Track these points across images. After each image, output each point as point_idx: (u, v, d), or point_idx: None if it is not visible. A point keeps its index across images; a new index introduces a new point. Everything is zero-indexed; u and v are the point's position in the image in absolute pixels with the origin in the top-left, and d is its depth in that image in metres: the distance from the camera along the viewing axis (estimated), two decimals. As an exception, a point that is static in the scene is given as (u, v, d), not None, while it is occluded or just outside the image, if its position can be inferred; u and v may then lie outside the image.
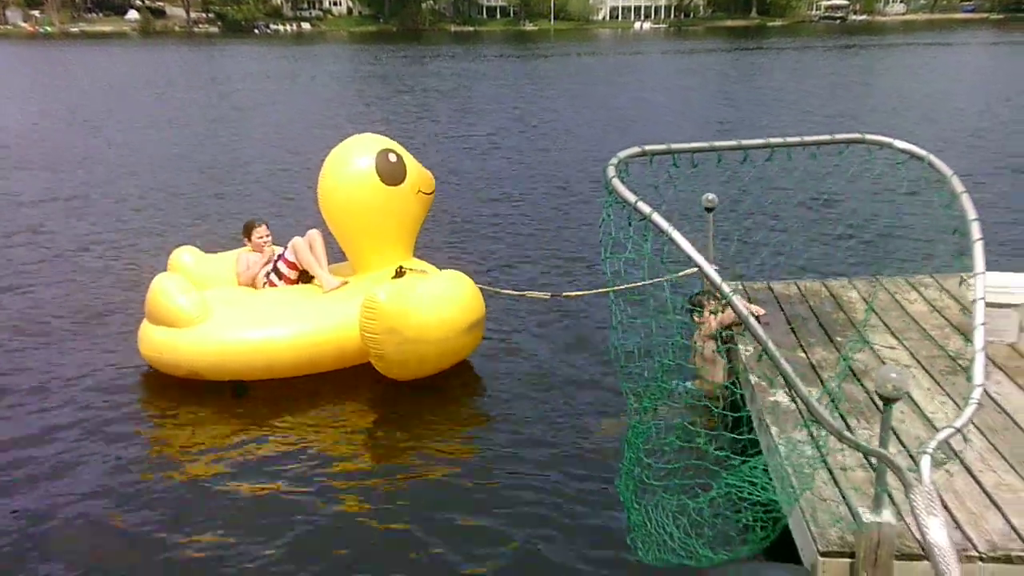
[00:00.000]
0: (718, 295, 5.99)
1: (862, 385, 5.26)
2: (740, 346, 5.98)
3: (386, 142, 7.50)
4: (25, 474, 5.50)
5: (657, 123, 21.14)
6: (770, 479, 4.03)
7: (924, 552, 3.59)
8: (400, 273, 7.24)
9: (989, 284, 5.40)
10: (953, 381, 5.26)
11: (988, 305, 5.52)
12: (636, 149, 2.95)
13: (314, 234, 7.55)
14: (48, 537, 4.89)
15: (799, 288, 7.03)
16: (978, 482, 4.16)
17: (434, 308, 6.51)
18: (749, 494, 3.97)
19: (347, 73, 39.66)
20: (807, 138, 3.18)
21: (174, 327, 6.56)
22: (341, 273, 7.50)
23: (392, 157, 7.35)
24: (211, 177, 15.42)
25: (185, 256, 7.52)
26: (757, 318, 5.97)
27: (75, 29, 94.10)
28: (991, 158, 15.31)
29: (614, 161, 2.82)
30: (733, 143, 3.13)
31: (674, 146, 3.03)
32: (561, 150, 17.42)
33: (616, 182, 2.76)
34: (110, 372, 7.05)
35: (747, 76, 34.31)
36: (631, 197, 2.70)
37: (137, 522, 4.99)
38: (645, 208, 2.68)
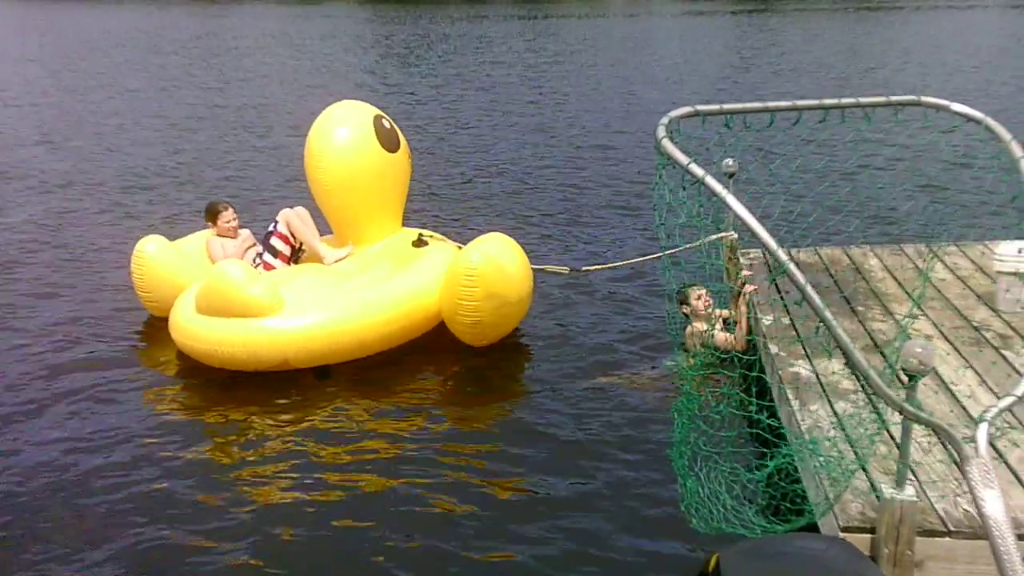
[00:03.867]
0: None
1: (883, 356, 5.21)
2: (763, 317, 5.94)
3: (374, 109, 7.43)
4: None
5: (676, 86, 20.67)
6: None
7: (956, 529, 3.57)
8: (422, 242, 7.16)
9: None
10: (978, 353, 5.20)
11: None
12: (688, 109, 2.87)
13: (301, 209, 7.37)
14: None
15: (820, 256, 6.95)
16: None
17: (514, 267, 6.45)
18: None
19: (349, 35, 38.95)
20: (862, 99, 3.10)
21: (249, 317, 6.13)
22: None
23: (386, 123, 7.31)
24: (189, 151, 14.46)
25: (149, 246, 7.00)
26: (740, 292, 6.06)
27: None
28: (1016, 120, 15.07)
29: (664, 121, 2.74)
30: (787, 104, 3.05)
31: (726, 106, 2.95)
32: (574, 117, 17.06)
33: (667, 143, 2.68)
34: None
35: (764, 39, 33.57)
36: (683, 159, 2.63)
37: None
38: (698, 171, 2.61)
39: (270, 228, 7.33)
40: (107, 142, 15.19)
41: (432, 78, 22.86)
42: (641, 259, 7.27)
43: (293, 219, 7.24)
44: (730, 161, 6.22)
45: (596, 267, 7.49)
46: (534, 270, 7.00)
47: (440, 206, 10.66)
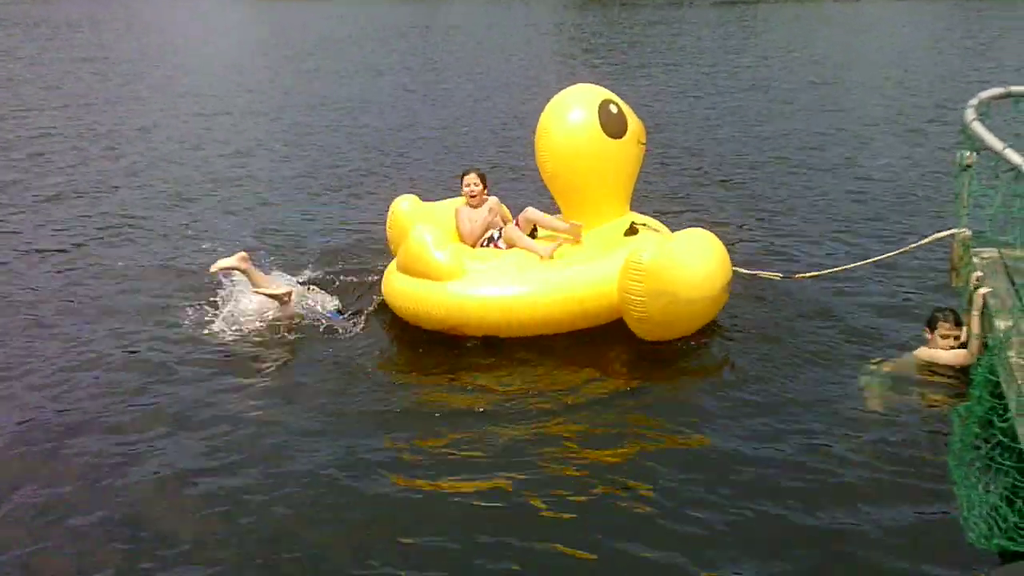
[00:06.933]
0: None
1: None
2: (998, 322, 5.51)
3: (605, 93, 7.34)
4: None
5: (924, 74, 19.42)
6: None
7: None
8: (633, 231, 7.07)
9: None
10: None
11: None
12: (999, 90, 2.64)
13: (531, 209, 7.32)
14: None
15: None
16: None
17: (695, 267, 6.35)
18: None
19: (574, 22, 39.20)
20: None
21: (430, 280, 6.57)
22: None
23: (613, 108, 7.20)
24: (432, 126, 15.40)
25: (403, 204, 7.44)
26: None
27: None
28: None
29: (974, 102, 2.54)
30: None
31: (1048, 88, 2.70)
32: (804, 110, 16.27)
33: (977, 126, 2.47)
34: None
35: (999, 26, 31.04)
36: (997, 144, 2.42)
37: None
38: (1015, 157, 2.38)
39: (513, 223, 7.35)
40: (342, 122, 16.16)
41: (667, 65, 22.67)
42: (870, 260, 6.89)
43: (531, 215, 7.25)
44: (967, 152, 5.77)
45: (811, 274, 7.13)
46: (746, 275, 6.97)
47: (672, 195, 10.44)
